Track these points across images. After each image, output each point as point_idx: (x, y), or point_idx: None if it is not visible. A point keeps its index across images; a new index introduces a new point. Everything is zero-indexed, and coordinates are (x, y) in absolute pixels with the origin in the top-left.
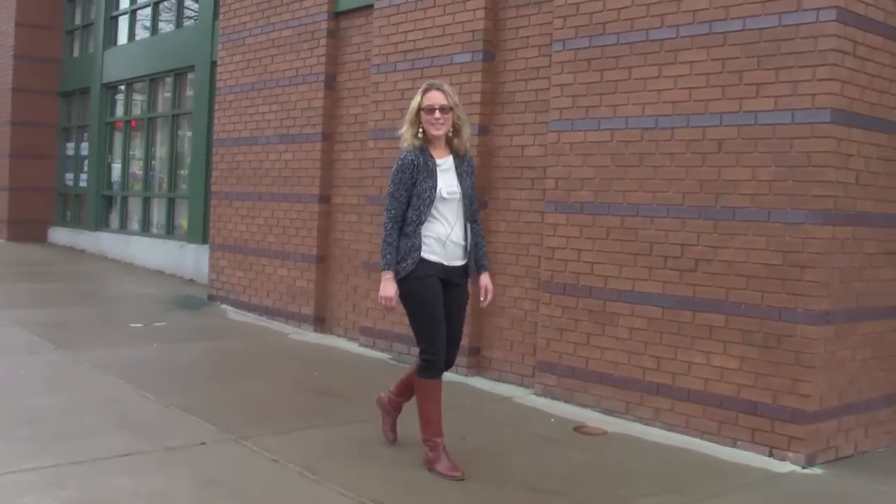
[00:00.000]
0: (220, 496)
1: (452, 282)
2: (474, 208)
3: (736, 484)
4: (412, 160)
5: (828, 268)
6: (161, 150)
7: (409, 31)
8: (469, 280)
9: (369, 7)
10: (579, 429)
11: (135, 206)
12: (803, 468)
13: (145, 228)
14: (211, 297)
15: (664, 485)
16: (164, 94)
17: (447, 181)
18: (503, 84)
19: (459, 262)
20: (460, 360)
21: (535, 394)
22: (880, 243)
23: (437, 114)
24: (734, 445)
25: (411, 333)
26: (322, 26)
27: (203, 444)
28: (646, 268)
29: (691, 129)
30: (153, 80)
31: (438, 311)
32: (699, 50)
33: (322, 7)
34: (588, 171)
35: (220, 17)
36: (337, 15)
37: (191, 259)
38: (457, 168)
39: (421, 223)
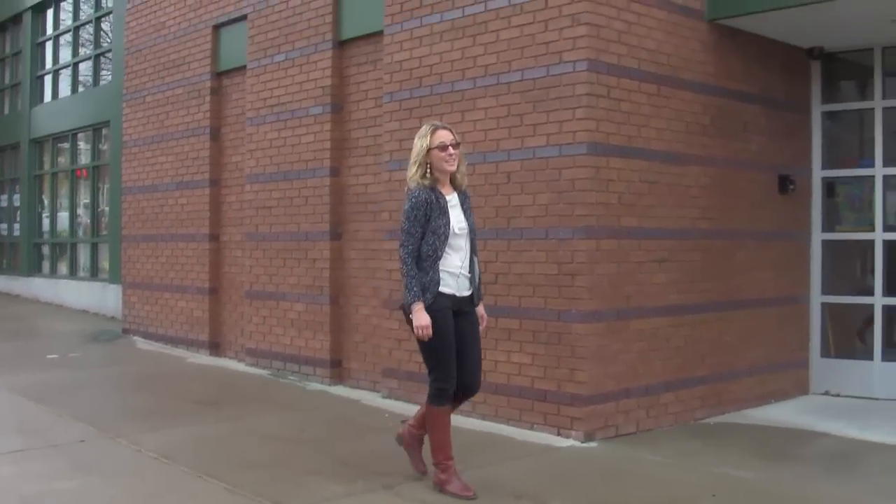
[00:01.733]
0: (85, 475)
1: (462, 310)
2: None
3: (515, 455)
4: (426, 198)
5: (594, 275)
6: (84, 199)
7: (275, 87)
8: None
9: (243, 67)
10: (406, 421)
11: (63, 252)
12: (582, 443)
13: (73, 272)
14: (125, 331)
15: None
16: (86, 147)
17: (456, 217)
18: (350, 131)
19: (468, 292)
20: (323, 371)
21: (382, 396)
22: (649, 252)
23: (451, 150)
24: (532, 428)
25: (287, 351)
26: (206, 85)
27: (83, 441)
28: None
29: (487, 164)
30: (75, 135)
31: (451, 342)
32: (491, 98)
33: (206, 68)
34: None
35: (125, 77)
36: (219, 74)
37: (112, 298)
38: (461, 204)
39: (438, 258)
